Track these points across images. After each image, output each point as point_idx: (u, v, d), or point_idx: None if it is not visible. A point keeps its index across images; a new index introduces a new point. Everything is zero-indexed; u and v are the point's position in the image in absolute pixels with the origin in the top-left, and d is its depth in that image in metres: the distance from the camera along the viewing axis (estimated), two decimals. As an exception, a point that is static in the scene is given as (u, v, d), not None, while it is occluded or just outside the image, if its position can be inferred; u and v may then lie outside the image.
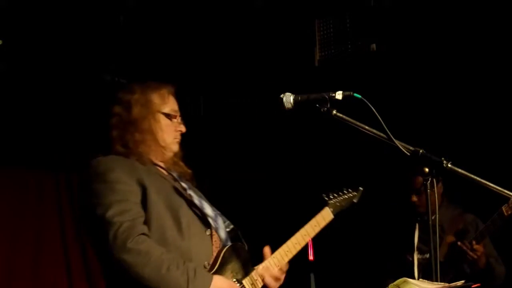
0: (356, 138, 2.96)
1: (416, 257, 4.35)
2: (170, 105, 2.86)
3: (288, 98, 2.54)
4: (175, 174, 2.86)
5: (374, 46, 4.58)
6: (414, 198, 4.33)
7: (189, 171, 2.93)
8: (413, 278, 3.95)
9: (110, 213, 2.53)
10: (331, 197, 3.16)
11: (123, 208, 2.54)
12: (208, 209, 2.76)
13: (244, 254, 2.78)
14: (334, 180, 5.58)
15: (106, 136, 2.79)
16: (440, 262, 4.16)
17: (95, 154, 2.72)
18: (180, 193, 2.74)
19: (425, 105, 4.98)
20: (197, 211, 2.72)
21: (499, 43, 4.47)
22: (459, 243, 4.14)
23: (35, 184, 5.37)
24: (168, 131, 2.82)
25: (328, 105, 2.46)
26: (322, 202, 3.10)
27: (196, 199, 2.76)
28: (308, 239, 2.97)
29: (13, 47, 4.65)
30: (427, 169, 2.34)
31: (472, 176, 2.30)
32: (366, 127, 2.44)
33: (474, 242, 4.08)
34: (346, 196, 3.25)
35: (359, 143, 3.95)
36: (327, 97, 2.45)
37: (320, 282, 5.79)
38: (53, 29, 4.60)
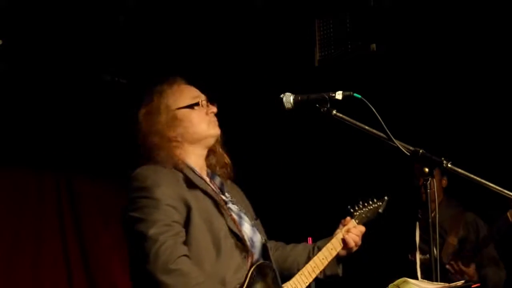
0: (357, 138, 2.97)
1: (418, 257, 4.35)
2: (186, 95, 2.77)
3: (288, 98, 2.54)
4: (217, 182, 2.80)
5: (374, 46, 4.58)
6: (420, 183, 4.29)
7: (228, 161, 2.85)
8: (416, 278, 3.96)
9: (153, 230, 2.48)
10: (356, 208, 3.05)
11: (166, 227, 2.50)
12: (247, 226, 2.72)
13: (271, 272, 2.70)
14: (335, 181, 5.62)
15: (136, 142, 2.71)
16: (445, 263, 4.20)
17: (137, 161, 2.66)
18: (221, 212, 2.67)
19: (425, 105, 4.98)
20: (236, 233, 2.66)
21: (499, 43, 4.47)
22: (447, 266, 4.14)
23: (35, 184, 5.36)
24: (198, 120, 2.73)
25: (328, 105, 2.46)
26: (348, 214, 3.02)
27: (236, 215, 2.72)
28: (334, 253, 2.89)
29: (13, 47, 4.65)
30: (427, 169, 2.34)
31: (472, 176, 2.30)
32: (366, 127, 2.44)
33: (460, 264, 4.10)
34: (371, 207, 3.12)
35: (359, 143, 3.96)
36: (327, 97, 2.46)
37: (320, 282, 5.77)
38: (53, 29, 4.60)
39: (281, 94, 2.56)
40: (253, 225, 2.76)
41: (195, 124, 2.73)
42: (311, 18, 4.79)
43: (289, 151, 5.80)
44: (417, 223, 4.40)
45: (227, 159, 2.87)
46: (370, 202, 3.13)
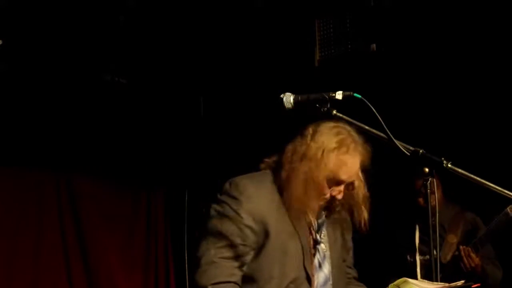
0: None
1: (418, 258, 4.35)
2: (339, 175, 2.54)
3: (288, 98, 2.53)
4: (318, 221, 2.67)
5: (374, 46, 4.58)
6: (421, 201, 4.30)
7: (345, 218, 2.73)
8: (416, 278, 3.96)
9: (215, 241, 2.51)
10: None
11: (227, 247, 2.50)
12: (322, 274, 2.65)
13: None
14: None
15: (276, 154, 2.71)
16: (445, 264, 4.19)
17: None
18: (303, 252, 2.59)
19: (425, 105, 4.97)
20: (307, 271, 2.60)
21: (499, 43, 4.47)
22: (461, 247, 4.13)
23: (35, 184, 5.36)
24: (316, 196, 2.55)
25: (328, 105, 2.45)
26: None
27: (320, 258, 2.65)
28: None
29: (13, 47, 4.65)
30: (427, 169, 2.34)
31: (472, 176, 2.30)
32: (366, 127, 2.44)
33: (470, 250, 4.08)
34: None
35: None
36: (327, 97, 2.45)
37: None
38: (53, 29, 4.60)
39: (281, 94, 2.55)
40: (330, 273, 2.68)
41: (310, 197, 2.55)
42: (311, 18, 4.80)
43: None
44: (417, 225, 4.39)
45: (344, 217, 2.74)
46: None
